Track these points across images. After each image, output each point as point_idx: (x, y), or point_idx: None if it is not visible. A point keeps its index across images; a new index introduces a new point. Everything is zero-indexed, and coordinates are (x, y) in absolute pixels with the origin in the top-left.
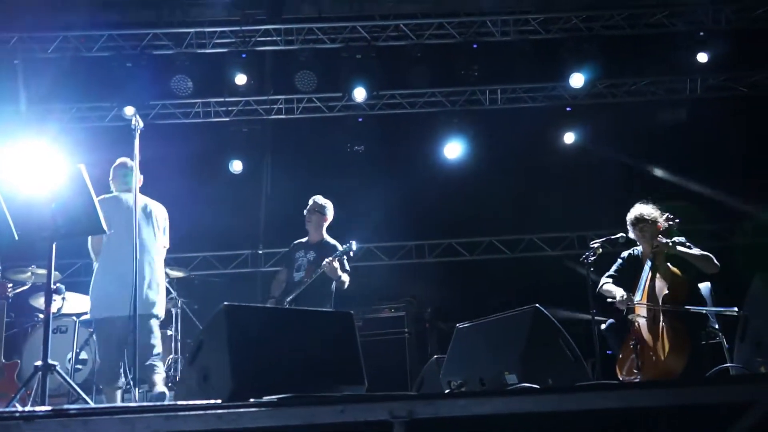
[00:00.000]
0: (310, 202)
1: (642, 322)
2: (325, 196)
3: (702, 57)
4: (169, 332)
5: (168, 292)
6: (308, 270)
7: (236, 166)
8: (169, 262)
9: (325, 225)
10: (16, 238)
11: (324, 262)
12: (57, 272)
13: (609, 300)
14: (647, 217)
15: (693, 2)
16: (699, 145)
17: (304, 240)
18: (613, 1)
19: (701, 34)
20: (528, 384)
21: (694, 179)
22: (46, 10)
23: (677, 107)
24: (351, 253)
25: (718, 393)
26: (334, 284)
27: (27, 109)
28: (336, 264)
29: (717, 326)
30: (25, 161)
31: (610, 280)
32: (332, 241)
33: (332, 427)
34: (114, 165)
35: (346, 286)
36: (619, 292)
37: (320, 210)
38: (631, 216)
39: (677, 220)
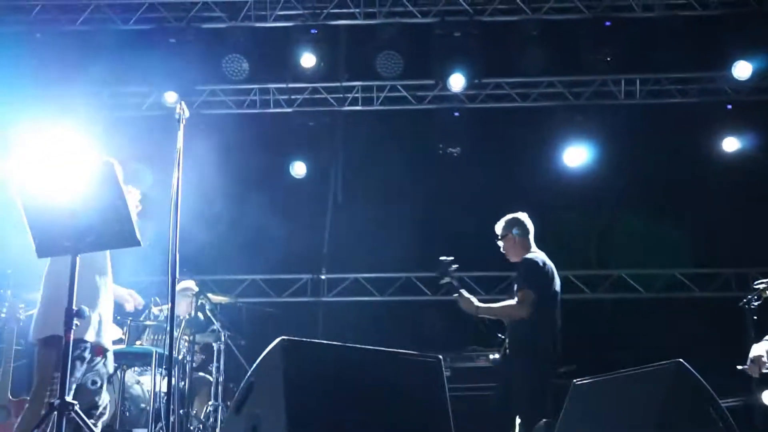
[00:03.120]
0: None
1: None
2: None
3: None
4: (209, 376)
5: (208, 323)
6: None
7: (299, 168)
8: (210, 286)
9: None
10: (33, 248)
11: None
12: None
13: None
14: None
15: None
16: None
17: None
18: None
19: None
20: None
21: None
22: None
23: None
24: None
25: None
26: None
27: (49, 92)
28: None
29: None
30: (46, 155)
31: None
32: (528, 257)
33: None
34: None
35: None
36: (756, 351)
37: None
38: None
39: None
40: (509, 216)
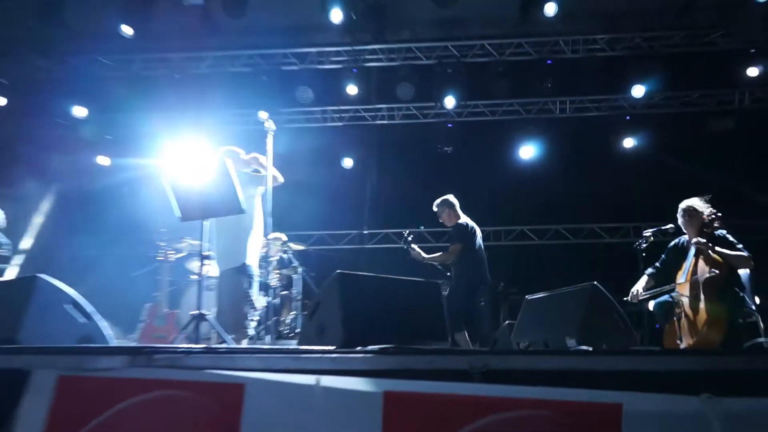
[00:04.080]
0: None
1: (685, 301)
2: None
3: (752, 71)
4: (292, 293)
5: (290, 262)
6: None
7: (347, 162)
8: (291, 238)
9: (445, 215)
10: (178, 215)
11: None
12: (206, 243)
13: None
14: (696, 209)
15: (746, 22)
16: (745, 151)
17: None
18: (673, 23)
19: (752, 51)
20: (585, 347)
21: (739, 179)
22: (200, 34)
23: (726, 117)
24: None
25: (752, 362)
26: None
27: (186, 114)
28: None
29: (753, 307)
30: (186, 156)
31: (648, 275)
32: (453, 223)
33: (420, 373)
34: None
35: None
36: (634, 289)
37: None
38: (682, 205)
39: (719, 215)
40: (440, 198)
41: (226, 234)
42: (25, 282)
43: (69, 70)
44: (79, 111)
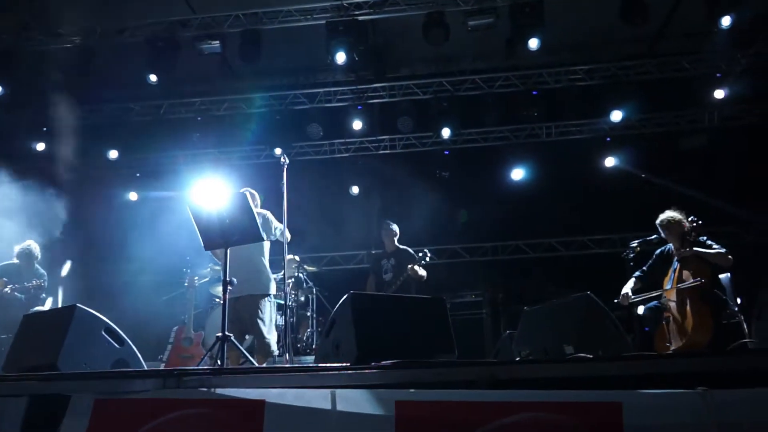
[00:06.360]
0: (384, 224)
1: (672, 306)
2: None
3: (719, 93)
4: (308, 312)
5: (306, 282)
6: (395, 273)
7: (354, 189)
8: (305, 261)
9: (396, 238)
10: (202, 244)
11: (408, 269)
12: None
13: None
14: (672, 220)
15: (712, 49)
16: (718, 165)
17: (381, 251)
18: (645, 52)
19: (718, 75)
20: (583, 354)
21: (712, 191)
22: (219, 79)
23: (698, 134)
24: (426, 260)
25: (741, 362)
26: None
27: (207, 152)
28: (416, 268)
29: (736, 309)
30: (208, 189)
31: (635, 277)
32: (404, 247)
33: (430, 385)
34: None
35: (424, 279)
36: (624, 290)
37: (391, 228)
38: (660, 219)
39: (699, 222)
40: (394, 224)
41: (247, 261)
42: (65, 311)
43: (102, 116)
44: (112, 153)
